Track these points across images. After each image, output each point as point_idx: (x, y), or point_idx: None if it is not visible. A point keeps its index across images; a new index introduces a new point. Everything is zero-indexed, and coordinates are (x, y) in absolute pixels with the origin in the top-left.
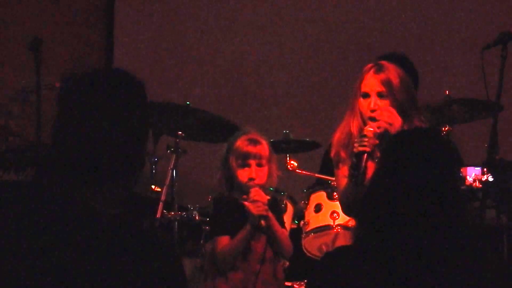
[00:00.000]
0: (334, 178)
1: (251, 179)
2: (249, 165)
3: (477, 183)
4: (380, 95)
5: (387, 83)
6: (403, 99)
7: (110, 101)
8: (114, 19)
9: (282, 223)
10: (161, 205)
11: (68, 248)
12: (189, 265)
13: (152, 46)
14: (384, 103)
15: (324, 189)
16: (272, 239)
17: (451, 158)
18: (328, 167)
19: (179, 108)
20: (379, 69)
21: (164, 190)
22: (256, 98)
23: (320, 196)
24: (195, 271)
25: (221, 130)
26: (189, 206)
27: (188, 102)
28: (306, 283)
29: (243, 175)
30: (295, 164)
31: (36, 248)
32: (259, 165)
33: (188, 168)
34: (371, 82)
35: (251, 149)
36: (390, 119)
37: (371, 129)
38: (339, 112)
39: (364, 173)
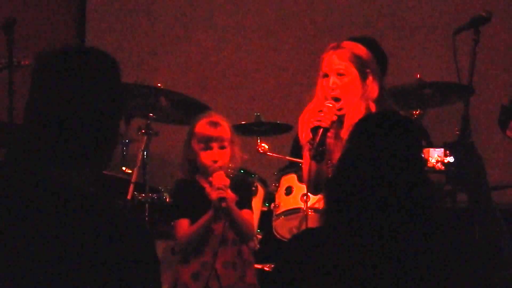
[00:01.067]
0: None
1: (214, 161)
2: (211, 148)
3: (439, 165)
4: (339, 73)
5: (345, 58)
6: (373, 69)
7: (83, 79)
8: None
9: (248, 204)
10: (132, 186)
11: (42, 226)
12: (160, 247)
13: (125, 27)
14: (344, 81)
15: (295, 172)
16: (232, 221)
17: (419, 142)
18: (298, 149)
19: (151, 89)
20: (337, 47)
21: (135, 172)
22: (227, 80)
23: (291, 179)
24: (166, 253)
25: (192, 111)
26: (160, 188)
27: (159, 84)
28: (273, 265)
29: (206, 158)
30: (266, 146)
31: (9, 227)
32: (222, 147)
33: (159, 149)
34: (330, 61)
35: (212, 132)
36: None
37: (330, 104)
38: (311, 95)
39: (320, 148)
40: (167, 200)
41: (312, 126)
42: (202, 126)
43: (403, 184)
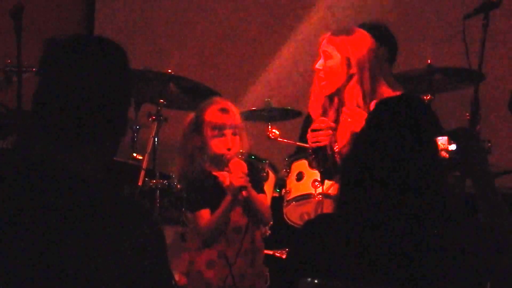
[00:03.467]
0: None
1: (228, 149)
2: (224, 135)
3: (444, 153)
4: (326, 55)
5: (334, 43)
6: (355, 61)
7: (91, 66)
8: None
9: (261, 188)
10: (142, 173)
11: (50, 213)
12: (170, 233)
13: (134, 14)
14: (329, 63)
15: (306, 158)
16: (251, 208)
17: (433, 125)
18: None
19: (161, 75)
20: (332, 33)
21: (145, 158)
22: (238, 66)
23: (301, 165)
24: (176, 239)
25: (202, 97)
26: (170, 174)
27: (169, 70)
28: (287, 251)
29: (219, 145)
30: (277, 132)
31: (18, 214)
32: (234, 134)
33: (170, 136)
34: (322, 43)
35: (225, 119)
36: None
37: (323, 124)
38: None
39: (325, 162)
40: (178, 186)
41: (312, 147)
42: (214, 114)
43: (418, 168)
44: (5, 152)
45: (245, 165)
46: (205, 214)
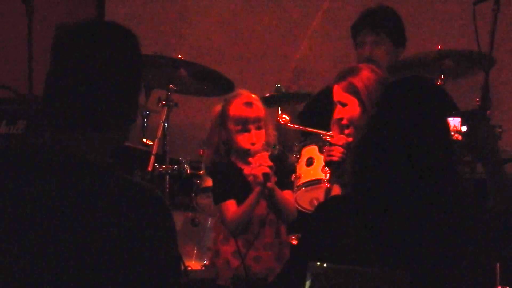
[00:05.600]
0: (326, 132)
1: (252, 144)
2: (249, 130)
3: (457, 135)
4: (341, 103)
5: (345, 89)
6: (367, 99)
7: (103, 53)
8: None
9: (288, 184)
10: (152, 158)
11: (60, 198)
12: (180, 218)
13: None
14: (346, 109)
15: (316, 143)
16: (274, 203)
17: (445, 106)
18: (309, 117)
19: (171, 61)
20: (338, 80)
21: (155, 143)
22: (248, 51)
23: (311, 150)
24: (186, 224)
25: (212, 83)
26: (180, 159)
27: (179, 55)
28: (297, 237)
29: (243, 141)
30: (287, 118)
31: (27, 199)
32: (258, 128)
33: (180, 121)
34: (334, 92)
35: (249, 113)
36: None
37: (340, 141)
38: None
39: (339, 177)
40: (188, 171)
41: (324, 161)
42: (237, 108)
43: (430, 150)
44: (15, 138)
45: (269, 161)
46: (231, 205)
